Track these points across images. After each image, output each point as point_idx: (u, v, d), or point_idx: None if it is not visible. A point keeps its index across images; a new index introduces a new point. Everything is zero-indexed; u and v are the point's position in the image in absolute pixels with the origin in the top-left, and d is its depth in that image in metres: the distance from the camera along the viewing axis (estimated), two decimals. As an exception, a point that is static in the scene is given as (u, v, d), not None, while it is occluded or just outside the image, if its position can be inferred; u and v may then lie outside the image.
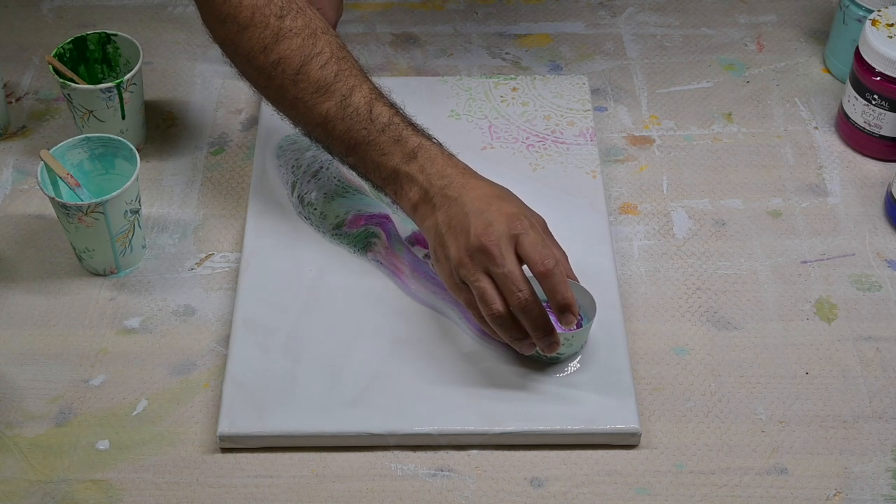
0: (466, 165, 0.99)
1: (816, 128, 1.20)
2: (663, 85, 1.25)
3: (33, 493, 0.92)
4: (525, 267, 0.94)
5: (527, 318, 0.92)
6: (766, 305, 1.04)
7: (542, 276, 0.92)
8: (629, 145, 1.18)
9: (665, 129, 1.20)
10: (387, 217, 1.09)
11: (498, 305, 0.92)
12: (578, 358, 0.98)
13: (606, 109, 1.22)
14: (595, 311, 0.97)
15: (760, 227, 1.11)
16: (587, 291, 0.98)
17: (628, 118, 1.21)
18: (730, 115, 1.21)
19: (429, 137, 1.00)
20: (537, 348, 0.95)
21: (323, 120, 1.01)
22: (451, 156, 1.00)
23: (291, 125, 1.05)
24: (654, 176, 1.15)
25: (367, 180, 1.02)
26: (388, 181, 1.00)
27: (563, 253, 0.96)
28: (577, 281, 0.98)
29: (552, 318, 0.95)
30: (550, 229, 0.98)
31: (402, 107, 1.02)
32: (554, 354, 0.95)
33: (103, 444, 0.95)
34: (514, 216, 0.94)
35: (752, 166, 1.16)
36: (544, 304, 0.94)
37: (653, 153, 1.18)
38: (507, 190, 0.98)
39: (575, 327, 0.95)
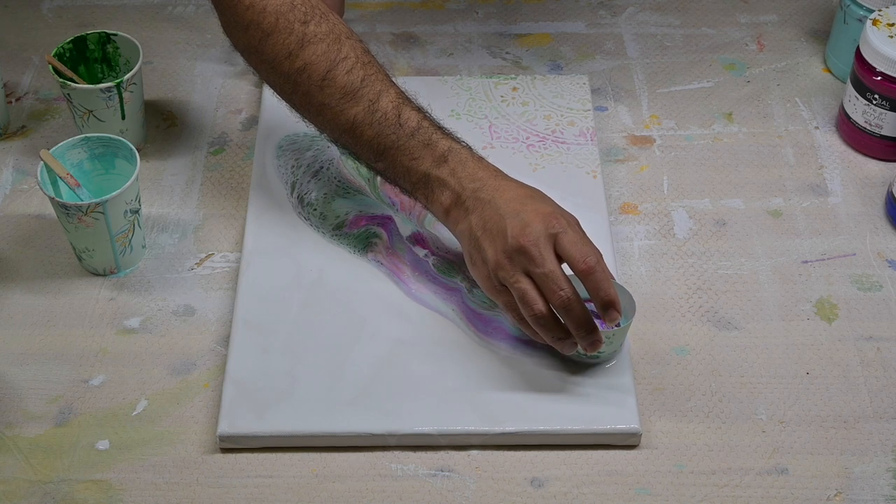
0: (497, 168, 0.98)
1: (817, 127, 1.20)
2: (664, 84, 1.24)
3: (33, 493, 0.91)
4: (563, 266, 0.93)
5: (569, 317, 0.92)
6: (766, 305, 1.04)
7: (585, 274, 0.91)
8: (630, 145, 1.18)
9: (665, 128, 1.20)
10: (389, 218, 1.09)
11: (540, 306, 0.92)
12: (615, 358, 0.97)
13: (607, 109, 1.22)
14: (634, 309, 0.97)
15: (761, 226, 1.11)
16: (625, 289, 0.97)
17: (629, 118, 1.21)
18: (730, 114, 1.21)
19: (458, 140, 0.99)
20: (578, 347, 0.94)
21: (350, 126, 1.00)
22: (480, 158, 0.99)
23: (317, 131, 1.04)
24: (654, 176, 1.15)
25: (397, 185, 1.01)
26: (419, 186, 0.99)
27: (599, 251, 0.94)
28: (614, 278, 0.98)
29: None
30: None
31: (429, 110, 1.01)
32: (595, 353, 0.95)
33: (103, 444, 0.95)
34: (551, 215, 0.93)
35: (752, 166, 1.16)
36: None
37: (653, 153, 1.17)
38: (539, 190, 0.97)
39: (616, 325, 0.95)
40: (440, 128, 1.00)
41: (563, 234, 0.92)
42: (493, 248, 0.93)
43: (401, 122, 0.98)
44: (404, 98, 1.00)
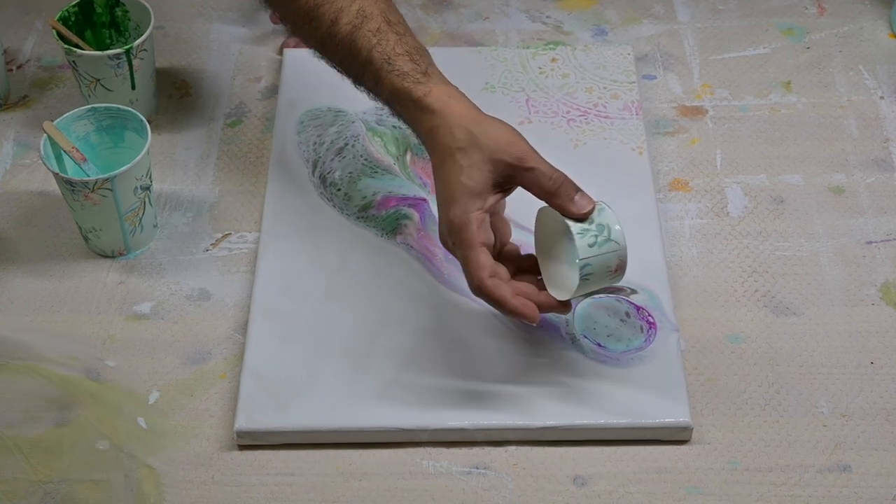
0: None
1: (882, 97, 1.18)
2: (717, 51, 1.23)
3: (33, 493, 0.91)
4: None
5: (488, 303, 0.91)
6: (827, 289, 1.03)
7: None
8: (679, 116, 1.17)
9: (718, 98, 1.18)
10: (422, 199, 1.08)
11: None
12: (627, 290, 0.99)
13: (655, 78, 1.20)
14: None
15: (822, 204, 1.09)
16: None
17: (678, 87, 1.20)
18: (788, 83, 1.20)
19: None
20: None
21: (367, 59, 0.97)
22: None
23: (331, 66, 1.01)
24: (706, 149, 1.14)
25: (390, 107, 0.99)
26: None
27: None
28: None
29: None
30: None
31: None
32: (571, 297, 0.91)
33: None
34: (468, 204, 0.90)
35: (812, 139, 1.15)
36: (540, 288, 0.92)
37: (705, 125, 1.16)
38: (495, 122, 0.93)
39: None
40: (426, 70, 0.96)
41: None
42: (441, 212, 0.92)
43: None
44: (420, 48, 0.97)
